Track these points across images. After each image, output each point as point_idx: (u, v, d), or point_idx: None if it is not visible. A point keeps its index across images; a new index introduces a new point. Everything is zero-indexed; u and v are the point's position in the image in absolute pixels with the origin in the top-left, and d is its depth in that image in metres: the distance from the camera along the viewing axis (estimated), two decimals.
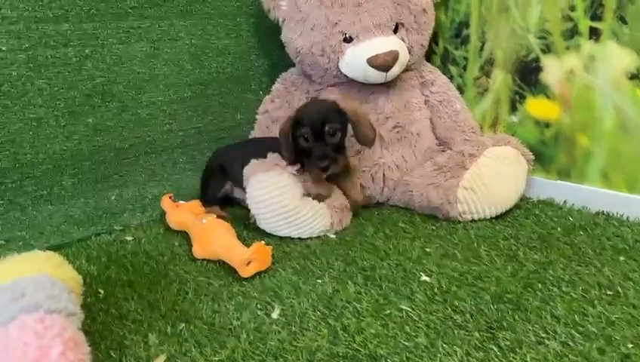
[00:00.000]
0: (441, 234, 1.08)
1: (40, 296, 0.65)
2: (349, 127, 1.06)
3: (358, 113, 1.06)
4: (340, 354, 0.71)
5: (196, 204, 1.13)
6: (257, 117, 1.27)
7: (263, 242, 0.93)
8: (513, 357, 0.69)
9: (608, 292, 0.83)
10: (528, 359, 0.69)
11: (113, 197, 1.11)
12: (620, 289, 0.84)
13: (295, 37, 1.18)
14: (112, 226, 1.09)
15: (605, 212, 1.13)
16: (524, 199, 1.22)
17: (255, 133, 1.26)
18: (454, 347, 0.72)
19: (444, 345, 0.72)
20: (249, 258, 0.88)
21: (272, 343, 0.74)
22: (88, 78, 1.02)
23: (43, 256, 0.75)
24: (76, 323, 0.67)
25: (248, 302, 0.84)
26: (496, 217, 1.14)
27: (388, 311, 0.81)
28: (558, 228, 1.08)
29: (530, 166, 1.18)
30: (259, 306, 0.83)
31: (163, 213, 1.12)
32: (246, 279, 0.90)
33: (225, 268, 0.95)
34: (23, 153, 0.97)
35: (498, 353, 0.70)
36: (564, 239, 1.03)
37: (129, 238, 1.07)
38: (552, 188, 1.22)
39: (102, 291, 0.87)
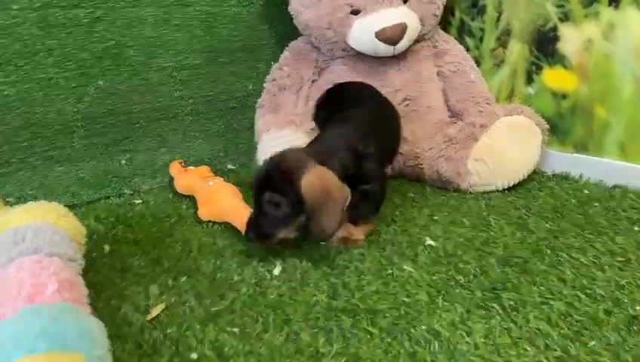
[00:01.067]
0: (451, 204, 1.06)
1: (40, 241, 0.66)
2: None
3: (321, 197, 0.77)
4: (339, 308, 0.70)
5: (205, 169, 1.13)
6: (265, 85, 1.26)
7: None
8: (515, 316, 0.68)
9: (619, 259, 0.81)
10: (531, 317, 0.67)
11: (124, 162, 1.11)
12: (632, 257, 0.81)
13: (302, 9, 1.17)
14: (121, 190, 1.10)
15: (622, 185, 1.10)
16: (538, 173, 1.19)
17: (262, 101, 1.26)
18: (455, 304, 0.70)
19: (444, 303, 0.71)
20: None
21: (272, 297, 0.74)
22: (99, 40, 1.03)
23: (48, 206, 0.76)
24: (76, 268, 0.68)
25: (251, 259, 0.84)
26: (509, 189, 1.11)
27: (390, 271, 0.80)
28: (572, 200, 1.05)
29: (545, 136, 1.15)
30: (261, 264, 0.83)
31: (172, 179, 1.12)
32: None
33: (229, 230, 0.94)
34: (33, 112, 0.98)
35: (500, 311, 0.69)
36: (578, 210, 1.00)
37: (137, 201, 1.08)
38: (568, 162, 1.19)
39: (107, 247, 0.88)
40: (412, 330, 0.65)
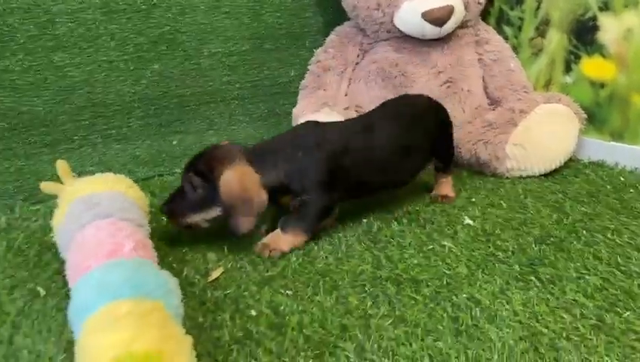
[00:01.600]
0: (488, 187, 1.10)
1: (112, 207, 0.73)
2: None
3: (237, 197, 0.78)
4: (383, 277, 0.75)
5: None
6: (309, 67, 1.31)
7: None
8: (552, 288, 0.71)
9: None
10: (567, 290, 0.71)
11: (175, 142, 1.18)
12: None
13: None
14: (173, 169, 1.17)
15: None
16: (574, 160, 1.21)
17: (305, 83, 1.30)
18: (494, 277, 0.74)
19: (484, 275, 0.75)
20: None
21: (320, 266, 0.79)
22: (155, 26, 1.09)
23: (116, 177, 0.83)
24: (144, 233, 0.74)
25: None
26: (545, 175, 1.14)
27: (430, 246, 0.84)
28: (608, 186, 1.07)
29: (583, 126, 1.18)
30: None
31: None
32: None
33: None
34: (95, 93, 1.05)
35: (538, 284, 0.73)
36: (614, 195, 1.03)
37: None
38: (604, 150, 1.21)
39: (165, 218, 0.94)
40: (454, 298, 0.70)
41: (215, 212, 0.81)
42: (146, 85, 1.10)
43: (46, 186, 0.83)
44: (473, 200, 1.03)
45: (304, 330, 0.63)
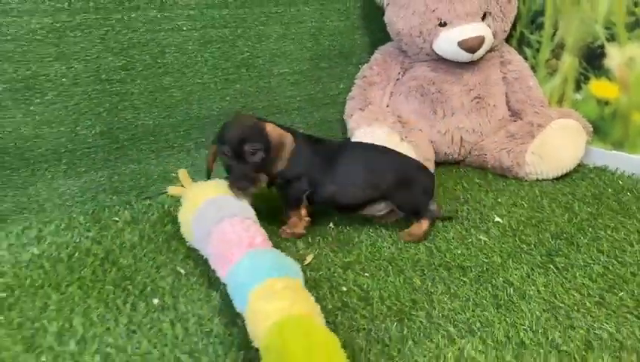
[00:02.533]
0: (511, 189, 1.33)
1: (236, 207, 0.95)
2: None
3: (279, 140, 1.02)
4: (436, 264, 0.99)
5: None
6: (355, 81, 1.54)
7: None
8: (566, 274, 0.95)
9: None
10: (577, 275, 0.94)
11: None
12: None
13: (397, 19, 1.43)
14: None
15: None
16: (582, 165, 1.44)
17: (352, 95, 1.53)
18: (522, 265, 0.98)
19: (513, 263, 0.99)
20: None
21: (386, 254, 1.03)
22: (238, 53, 1.31)
23: (224, 182, 1.05)
24: (261, 228, 0.97)
25: (363, 225, 1.13)
26: (557, 178, 1.38)
27: (469, 240, 1.08)
28: (609, 189, 1.31)
29: (589, 137, 1.41)
30: (371, 229, 1.12)
31: None
32: None
33: None
34: (192, 109, 1.27)
35: (555, 270, 0.96)
36: (613, 197, 1.26)
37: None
38: (607, 158, 1.44)
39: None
40: (493, 280, 0.93)
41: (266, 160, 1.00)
42: (229, 101, 1.33)
43: (172, 190, 1.06)
44: (499, 200, 1.26)
45: (385, 302, 0.87)
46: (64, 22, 1.06)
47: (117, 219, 1.15)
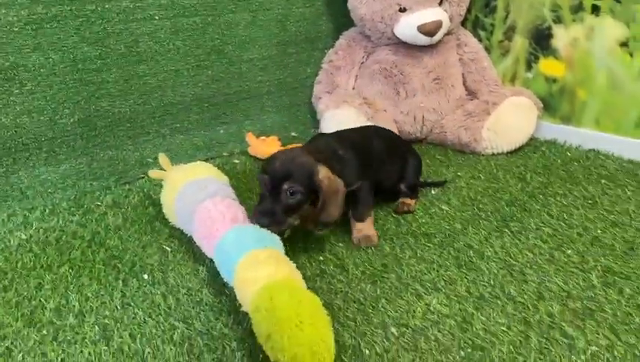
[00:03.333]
0: (469, 163, 1.43)
1: (216, 188, 1.02)
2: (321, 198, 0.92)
3: (331, 189, 0.92)
4: (403, 232, 1.08)
5: (274, 139, 1.49)
6: (322, 66, 1.61)
7: None
8: (520, 236, 1.05)
9: (589, 202, 1.19)
10: (530, 237, 1.05)
11: (222, 131, 1.46)
12: (598, 200, 1.19)
13: (360, 5, 1.50)
14: (221, 152, 1.45)
15: (596, 149, 1.47)
16: (533, 139, 1.56)
17: (319, 78, 1.61)
18: (480, 230, 1.08)
19: (473, 229, 1.09)
20: None
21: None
22: (209, 40, 1.36)
23: (205, 165, 1.11)
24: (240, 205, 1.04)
25: None
26: (511, 152, 1.49)
27: (433, 210, 1.17)
28: (558, 160, 1.42)
29: (540, 113, 1.52)
30: None
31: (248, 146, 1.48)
32: None
33: None
34: (166, 96, 1.32)
35: (510, 234, 1.06)
36: (562, 168, 1.37)
37: (236, 161, 1.43)
38: (555, 131, 1.56)
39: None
40: (454, 244, 1.03)
41: (306, 207, 0.93)
42: (201, 87, 1.38)
43: (153, 173, 1.11)
44: (459, 174, 1.36)
45: (359, 268, 0.96)
46: (40, 14, 1.09)
47: (99, 203, 1.19)
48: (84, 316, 0.83)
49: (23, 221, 1.11)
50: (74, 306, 0.85)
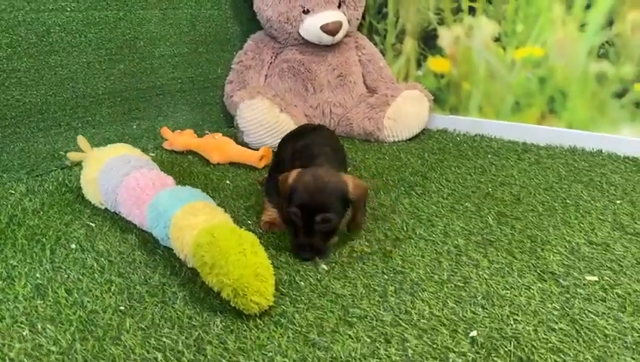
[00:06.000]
0: (375, 149, 1.56)
1: (140, 162, 1.04)
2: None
3: (362, 199, 0.91)
4: None
5: (190, 131, 1.53)
6: (233, 66, 1.68)
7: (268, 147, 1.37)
8: (424, 196, 1.18)
9: (479, 170, 1.35)
10: (432, 196, 1.18)
11: (134, 126, 1.47)
12: (487, 168, 1.36)
13: (265, 8, 1.60)
14: (135, 147, 1.46)
15: (481, 134, 1.67)
16: (427, 130, 1.73)
17: (230, 78, 1.68)
18: (390, 194, 1.19)
19: (384, 195, 1.20)
20: (261, 155, 1.31)
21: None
22: (120, 34, 1.38)
23: (125, 145, 1.13)
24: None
25: (255, 186, 1.27)
26: (410, 139, 1.64)
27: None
28: (450, 144, 1.60)
29: (431, 104, 1.70)
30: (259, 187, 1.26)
31: (164, 140, 1.50)
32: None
33: (233, 169, 1.36)
34: (77, 88, 1.32)
35: (416, 195, 1.19)
36: (454, 148, 1.55)
37: (152, 154, 1.45)
38: (446, 121, 1.74)
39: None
40: (370, 204, 1.13)
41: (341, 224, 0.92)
42: (113, 81, 1.39)
43: (72, 155, 1.11)
44: (367, 156, 1.48)
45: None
46: None
47: (12, 191, 1.16)
48: (13, 279, 0.82)
49: None
50: (0, 273, 0.83)
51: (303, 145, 1.06)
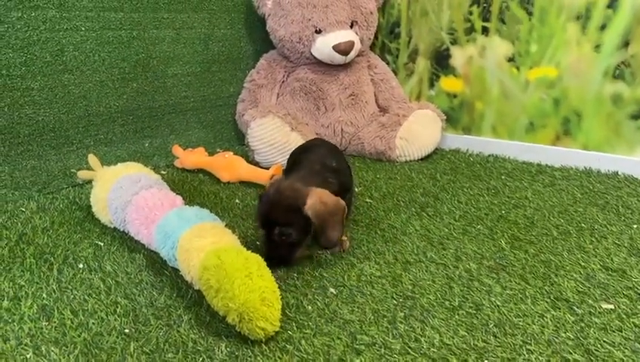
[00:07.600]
0: (386, 168, 1.55)
1: (150, 181, 1.04)
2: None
3: (325, 214, 0.88)
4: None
5: (202, 149, 1.53)
6: (245, 85, 1.69)
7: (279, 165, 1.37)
8: (436, 218, 1.16)
9: (492, 191, 1.33)
10: (444, 218, 1.16)
11: (147, 144, 1.48)
12: (500, 190, 1.34)
13: (278, 28, 1.61)
14: (146, 165, 1.46)
15: (494, 154, 1.65)
16: (439, 149, 1.72)
17: (242, 97, 1.68)
18: (401, 215, 1.18)
19: (394, 215, 1.18)
20: (272, 173, 1.31)
21: None
22: (134, 53, 1.39)
23: (136, 164, 1.13)
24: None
25: None
26: (421, 159, 1.63)
27: (357, 203, 1.26)
28: (463, 164, 1.58)
29: (443, 124, 1.68)
30: None
31: (175, 158, 1.50)
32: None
33: (243, 188, 1.36)
34: (90, 106, 1.33)
35: (427, 216, 1.17)
36: (467, 168, 1.53)
37: (163, 173, 1.45)
38: (458, 141, 1.73)
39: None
40: (380, 225, 1.11)
41: (309, 237, 0.92)
42: (126, 99, 1.40)
43: (82, 174, 1.11)
44: (378, 176, 1.47)
45: None
46: None
47: (23, 209, 1.16)
48: (20, 300, 0.81)
49: None
50: (7, 292, 0.83)
51: (297, 160, 1.08)
